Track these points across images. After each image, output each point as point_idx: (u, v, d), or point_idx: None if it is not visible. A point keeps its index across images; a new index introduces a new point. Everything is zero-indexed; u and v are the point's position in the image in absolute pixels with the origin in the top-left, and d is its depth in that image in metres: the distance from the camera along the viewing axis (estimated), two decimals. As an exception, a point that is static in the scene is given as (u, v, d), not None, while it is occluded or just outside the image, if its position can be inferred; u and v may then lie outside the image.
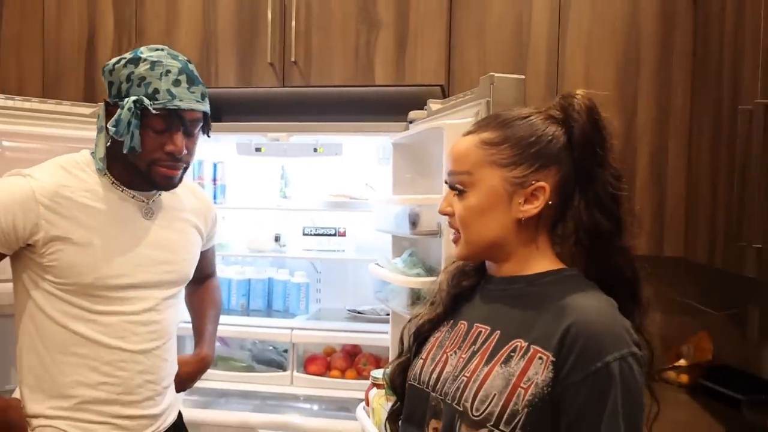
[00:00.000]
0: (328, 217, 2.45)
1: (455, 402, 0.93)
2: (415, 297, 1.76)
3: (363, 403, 1.85)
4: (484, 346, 0.95)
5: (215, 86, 2.17)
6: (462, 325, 1.02)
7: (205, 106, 1.33)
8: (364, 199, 2.32)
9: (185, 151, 1.31)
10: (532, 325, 0.92)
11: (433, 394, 0.98)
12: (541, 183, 0.95)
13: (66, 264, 1.27)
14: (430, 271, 1.79)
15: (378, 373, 1.75)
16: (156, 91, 1.25)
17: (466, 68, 2.11)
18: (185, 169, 1.36)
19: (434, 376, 1.00)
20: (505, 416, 0.87)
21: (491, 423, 0.88)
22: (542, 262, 0.99)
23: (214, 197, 2.44)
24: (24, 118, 1.98)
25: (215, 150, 2.50)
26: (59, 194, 1.28)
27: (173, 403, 1.49)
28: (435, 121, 1.78)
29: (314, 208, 2.39)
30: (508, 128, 0.98)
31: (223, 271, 2.53)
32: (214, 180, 2.45)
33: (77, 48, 2.26)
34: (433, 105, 1.88)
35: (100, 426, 1.32)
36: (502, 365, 0.91)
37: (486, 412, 0.89)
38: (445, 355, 1.01)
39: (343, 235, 2.40)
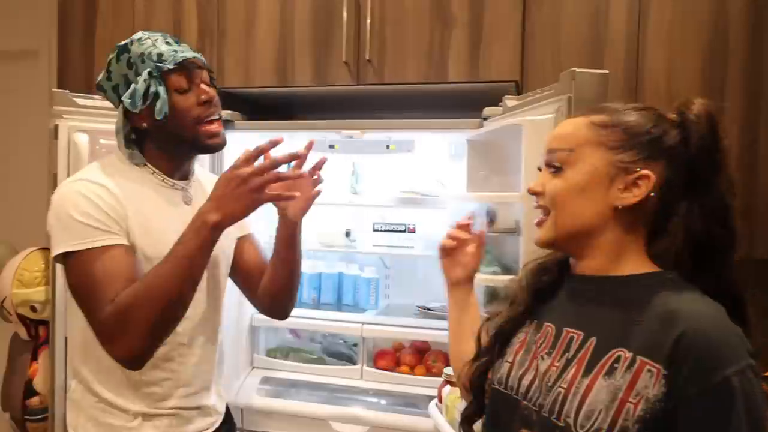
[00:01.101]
0: (398, 213, 2.42)
1: (554, 416, 0.87)
2: (491, 295, 1.71)
3: (435, 400, 1.81)
4: (580, 354, 0.89)
5: (291, 85, 2.18)
6: (549, 328, 0.96)
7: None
8: (434, 196, 2.29)
9: (215, 97, 1.30)
10: (633, 332, 0.85)
11: (525, 402, 0.92)
12: (646, 171, 0.89)
13: (136, 252, 1.25)
14: (505, 269, 1.74)
15: (451, 371, 1.70)
16: (160, 54, 1.24)
17: (540, 64, 2.04)
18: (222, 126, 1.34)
19: (524, 383, 0.93)
20: None
21: None
22: (634, 262, 0.92)
23: (288, 193, 2.45)
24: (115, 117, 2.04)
25: (289, 147, 2.50)
26: (117, 189, 1.26)
27: (224, 395, 1.50)
28: (512, 118, 1.72)
29: (384, 204, 2.37)
30: (621, 115, 0.93)
31: (295, 264, 2.54)
32: (288, 176, 2.46)
33: (162, 49, 2.30)
34: (509, 101, 1.83)
35: (168, 419, 1.32)
36: (606, 377, 0.84)
37: (592, 428, 0.82)
38: (534, 360, 0.94)
39: (413, 231, 2.37)
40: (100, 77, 1.31)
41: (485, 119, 1.95)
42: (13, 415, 2.22)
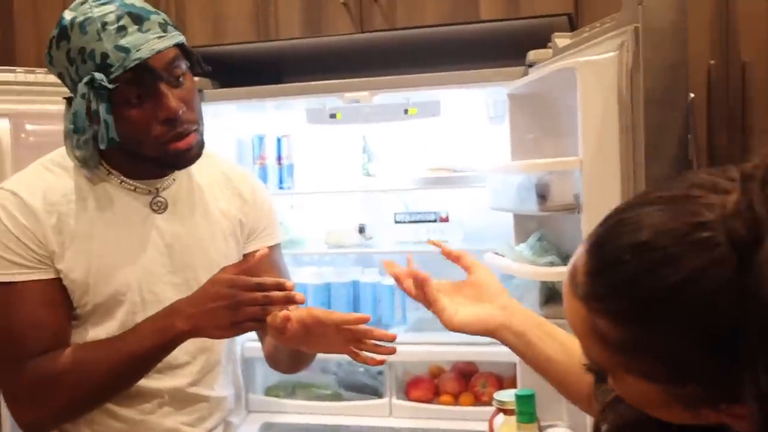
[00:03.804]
0: (426, 198, 2.48)
1: None
2: (550, 293, 1.76)
3: (486, 435, 1.88)
4: None
5: (276, 39, 2.26)
6: None
7: (174, 37, 1.28)
8: (471, 172, 2.32)
9: (183, 107, 1.27)
10: None
11: None
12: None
13: (69, 282, 1.33)
14: (565, 258, 1.79)
15: (504, 396, 1.76)
16: (104, 56, 1.21)
17: (602, -11, 2.08)
18: (200, 131, 1.34)
19: None
20: None
21: None
22: None
23: (280, 181, 2.53)
24: (47, 94, 2.11)
25: (278, 121, 2.59)
26: (49, 201, 1.32)
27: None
28: (564, 60, 1.77)
29: (407, 188, 2.42)
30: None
31: (295, 273, 2.61)
32: (279, 159, 2.53)
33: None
34: (560, 40, 1.87)
35: None
36: None
37: None
38: None
39: (446, 220, 2.42)
40: (47, 48, 1.30)
41: (530, 66, 2.00)
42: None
